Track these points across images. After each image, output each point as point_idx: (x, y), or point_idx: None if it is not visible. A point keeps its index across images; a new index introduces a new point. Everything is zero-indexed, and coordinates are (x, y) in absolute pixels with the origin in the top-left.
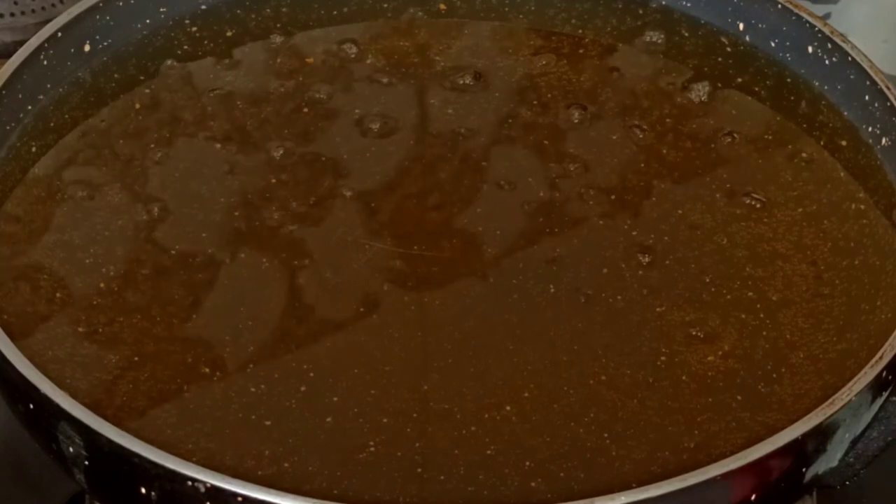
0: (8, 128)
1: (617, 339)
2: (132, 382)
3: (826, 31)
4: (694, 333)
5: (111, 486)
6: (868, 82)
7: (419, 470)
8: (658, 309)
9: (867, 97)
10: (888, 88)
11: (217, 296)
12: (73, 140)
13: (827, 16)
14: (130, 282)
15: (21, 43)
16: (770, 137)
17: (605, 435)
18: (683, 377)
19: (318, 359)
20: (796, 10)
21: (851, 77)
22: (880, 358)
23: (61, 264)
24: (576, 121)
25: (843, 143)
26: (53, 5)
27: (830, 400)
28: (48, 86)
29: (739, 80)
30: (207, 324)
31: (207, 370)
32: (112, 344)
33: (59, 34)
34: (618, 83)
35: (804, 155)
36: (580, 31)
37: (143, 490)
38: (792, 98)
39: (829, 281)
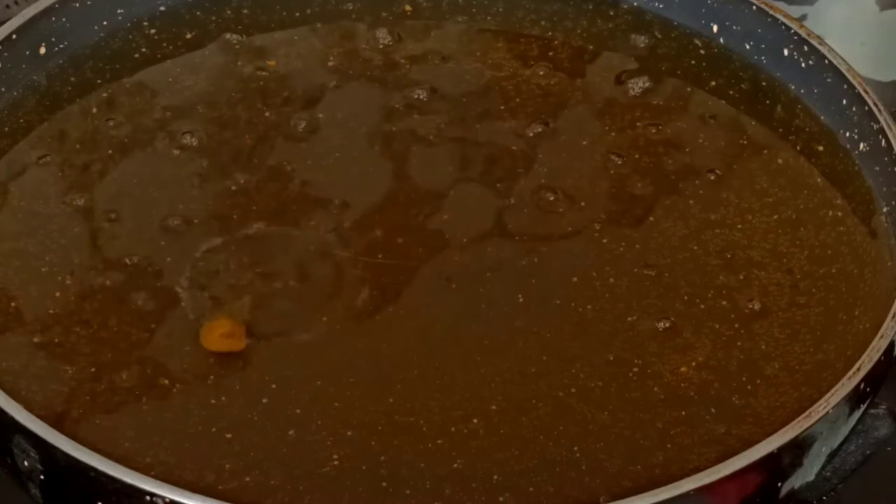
0: None
1: (587, 350)
2: (89, 394)
3: (802, 33)
4: (666, 344)
5: (67, 501)
6: (846, 86)
7: (384, 484)
8: (629, 319)
9: (845, 101)
10: (866, 92)
11: (176, 305)
12: (27, 146)
13: (803, 17)
14: (87, 291)
15: None
16: (745, 142)
17: (575, 448)
18: (655, 389)
19: (281, 370)
20: (772, 12)
21: (829, 80)
22: (858, 369)
23: (16, 273)
24: (545, 125)
25: (820, 147)
26: (7, 6)
27: (807, 412)
28: (2, 90)
29: (713, 83)
30: (166, 334)
31: (167, 382)
32: (68, 355)
33: (14, 36)
34: (588, 87)
35: (780, 160)
36: (549, 33)
37: None
38: (767, 102)
39: (805, 290)
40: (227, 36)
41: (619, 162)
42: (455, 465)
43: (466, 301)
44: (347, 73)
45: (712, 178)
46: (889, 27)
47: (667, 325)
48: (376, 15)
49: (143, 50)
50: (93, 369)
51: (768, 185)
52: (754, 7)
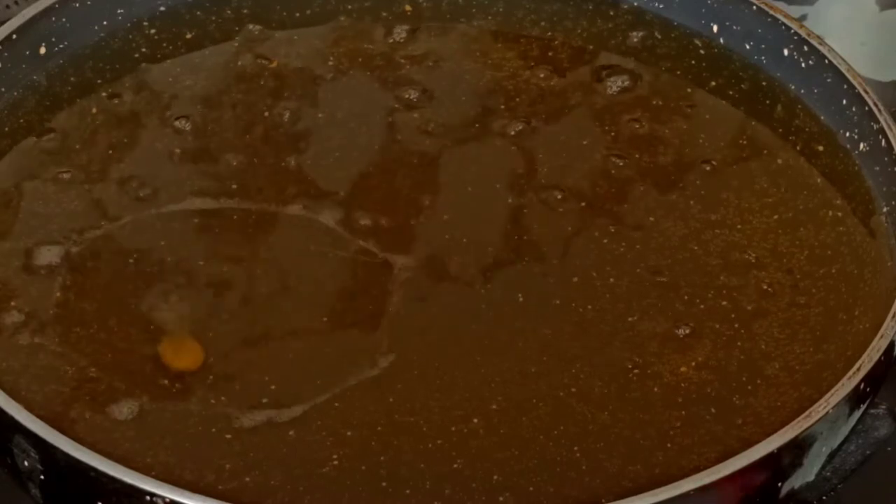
0: None
1: (587, 350)
2: (89, 394)
3: (802, 33)
4: (666, 344)
5: (68, 501)
6: (846, 86)
7: (384, 484)
8: (629, 319)
9: (845, 101)
10: (866, 92)
11: (176, 305)
12: (28, 145)
13: (803, 17)
14: (87, 291)
15: None
16: (745, 142)
17: (575, 448)
18: (655, 389)
19: (281, 370)
20: (772, 12)
21: (829, 80)
22: (858, 369)
23: (16, 273)
24: (545, 125)
25: (820, 148)
26: (7, 7)
27: (807, 412)
28: (2, 90)
29: (713, 83)
30: (166, 334)
31: (166, 382)
32: (69, 355)
33: (14, 36)
34: (588, 86)
35: (780, 160)
36: (549, 33)
37: None
38: (767, 102)
39: (805, 290)
40: (227, 35)
41: (621, 163)
42: (455, 465)
43: (466, 301)
44: (347, 72)
45: (708, 168)
46: (889, 27)
47: (667, 325)
48: (376, 15)
49: (143, 50)
50: (93, 369)
51: (768, 186)
52: (754, 7)
